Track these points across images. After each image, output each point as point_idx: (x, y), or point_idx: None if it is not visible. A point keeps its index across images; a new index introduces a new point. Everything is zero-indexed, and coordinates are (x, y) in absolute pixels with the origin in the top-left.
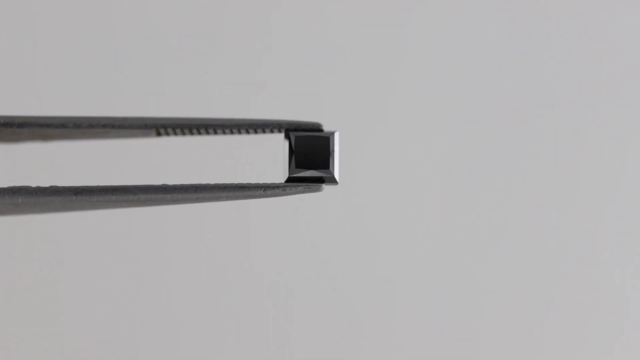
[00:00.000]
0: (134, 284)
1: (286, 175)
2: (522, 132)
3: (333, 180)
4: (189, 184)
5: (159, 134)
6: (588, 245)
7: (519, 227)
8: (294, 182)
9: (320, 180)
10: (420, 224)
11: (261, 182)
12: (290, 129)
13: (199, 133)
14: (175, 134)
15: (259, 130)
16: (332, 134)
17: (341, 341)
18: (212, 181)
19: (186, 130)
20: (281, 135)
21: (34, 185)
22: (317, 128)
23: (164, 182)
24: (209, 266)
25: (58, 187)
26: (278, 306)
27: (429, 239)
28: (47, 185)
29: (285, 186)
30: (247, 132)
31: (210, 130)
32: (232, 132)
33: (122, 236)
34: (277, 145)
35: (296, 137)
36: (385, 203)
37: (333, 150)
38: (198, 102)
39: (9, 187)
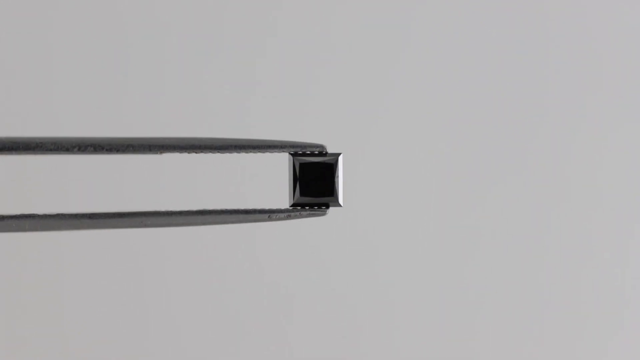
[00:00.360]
0: (135, 284)
1: (291, 201)
2: (524, 138)
3: (337, 204)
4: (195, 210)
5: (162, 152)
6: (587, 245)
7: (520, 233)
8: (298, 205)
9: (324, 204)
10: (419, 231)
11: (266, 205)
12: (296, 154)
13: (202, 152)
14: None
15: (262, 151)
16: (336, 159)
17: (341, 341)
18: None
19: (190, 151)
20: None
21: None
22: (320, 152)
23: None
24: (210, 268)
25: (65, 214)
26: (278, 307)
27: (427, 243)
28: (53, 209)
29: (290, 212)
30: (252, 152)
31: (214, 150)
32: (236, 152)
33: (125, 239)
34: (281, 163)
35: (301, 165)
36: (386, 211)
37: (337, 175)
38: (201, 111)
39: (16, 214)
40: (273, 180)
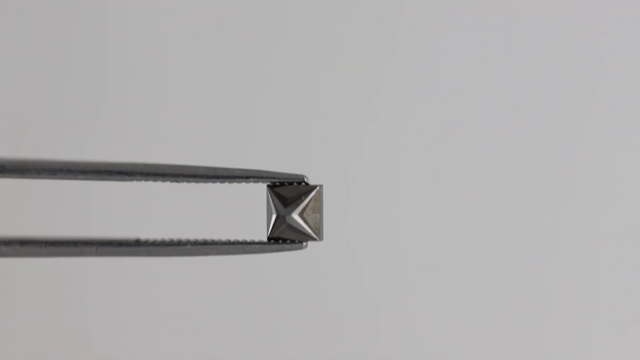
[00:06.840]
0: (131, 283)
1: (268, 234)
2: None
3: (317, 238)
4: (161, 240)
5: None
6: (590, 246)
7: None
8: (276, 239)
9: (302, 238)
10: (405, 264)
11: (241, 238)
12: (274, 185)
13: (178, 181)
14: (154, 180)
15: (238, 181)
16: (318, 190)
17: (341, 340)
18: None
19: (163, 179)
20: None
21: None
22: (300, 182)
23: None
24: (207, 268)
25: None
26: (276, 308)
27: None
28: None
29: (264, 244)
30: (228, 182)
31: (190, 179)
32: (212, 181)
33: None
34: (259, 195)
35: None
36: (370, 245)
37: (320, 210)
38: (176, 138)
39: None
40: (251, 213)
